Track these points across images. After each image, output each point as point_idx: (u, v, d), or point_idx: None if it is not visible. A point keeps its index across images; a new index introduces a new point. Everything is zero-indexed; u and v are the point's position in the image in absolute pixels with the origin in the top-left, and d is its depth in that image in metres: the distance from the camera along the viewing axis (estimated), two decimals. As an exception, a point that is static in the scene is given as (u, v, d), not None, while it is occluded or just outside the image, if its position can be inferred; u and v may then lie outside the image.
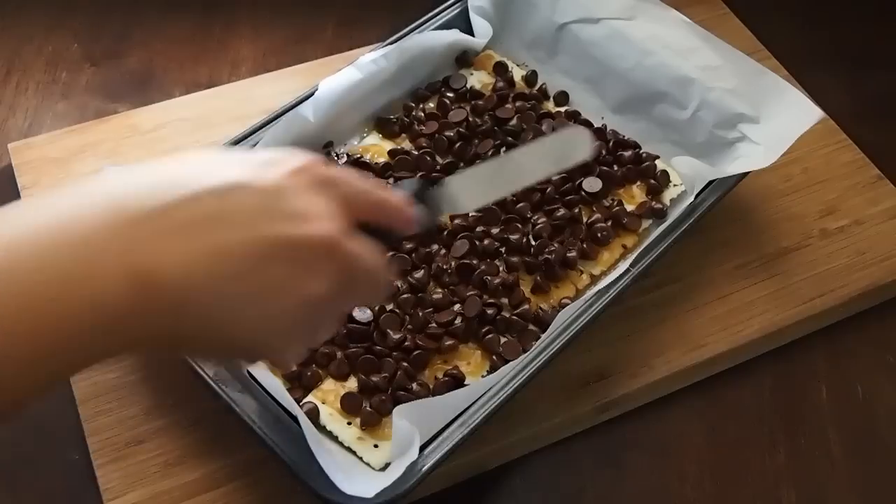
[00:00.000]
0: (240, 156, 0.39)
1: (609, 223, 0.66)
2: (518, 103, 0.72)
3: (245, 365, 0.51)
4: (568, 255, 0.63)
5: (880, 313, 0.71)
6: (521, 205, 0.66)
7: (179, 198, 0.36)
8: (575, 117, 0.72)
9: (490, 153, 0.69)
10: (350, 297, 0.42)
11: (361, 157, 0.68)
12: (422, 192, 0.48)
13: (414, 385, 0.57)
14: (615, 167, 0.70)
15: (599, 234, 0.65)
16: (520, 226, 0.65)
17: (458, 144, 0.69)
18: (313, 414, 0.55)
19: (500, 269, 0.63)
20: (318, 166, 0.41)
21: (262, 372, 0.53)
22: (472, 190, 0.51)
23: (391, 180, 0.66)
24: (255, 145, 0.64)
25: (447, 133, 0.69)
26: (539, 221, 0.65)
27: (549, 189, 0.67)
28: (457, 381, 0.57)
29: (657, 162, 0.70)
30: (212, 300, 0.36)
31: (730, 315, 0.66)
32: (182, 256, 0.35)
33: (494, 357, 0.59)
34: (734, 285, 0.68)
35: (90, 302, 0.33)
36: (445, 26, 0.74)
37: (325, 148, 0.68)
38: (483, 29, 0.75)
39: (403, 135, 0.71)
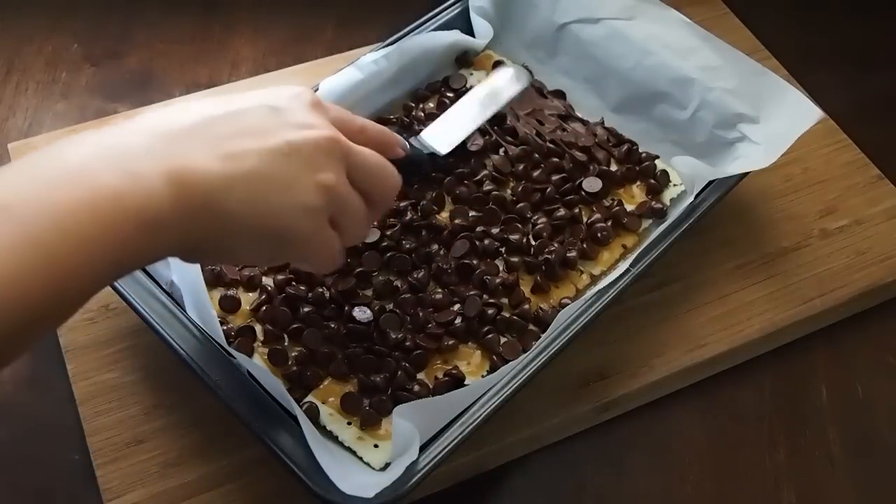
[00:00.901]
0: (246, 93, 0.47)
1: (609, 223, 0.66)
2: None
3: (281, 261, 0.54)
4: (568, 255, 0.63)
5: (880, 313, 0.71)
6: (521, 205, 0.66)
7: (205, 118, 0.43)
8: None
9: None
10: (365, 187, 0.48)
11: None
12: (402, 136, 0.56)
13: (414, 385, 0.57)
14: (615, 167, 0.69)
15: (599, 234, 0.65)
16: (520, 226, 0.65)
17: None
18: (313, 414, 0.55)
19: (500, 268, 0.63)
20: (311, 92, 0.48)
21: (262, 372, 0.53)
22: (443, 136, 0.64)
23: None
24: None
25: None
26: (539, 221, 0.65)
27: (549, 189, 0.67)
28: (457, 381, 0.57)
29: (657, 162, 0.70)
30: (244, 193, 0.42)
31: (730, 315, 0.66)
32: (214, 160, 0.42)
33: (494, 357, 0.59)
34: (734, 285, 0.68)
35: (135, 202, 0.38)
36: (445, 26, 0.74)
37: (325, 148, 0.68)
38: (483, 29, 0.75)
39: (404, 135, 0.70)
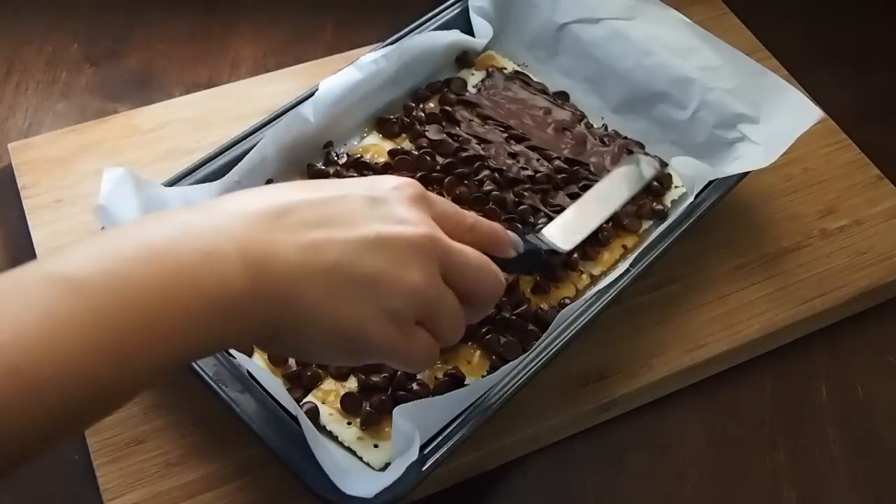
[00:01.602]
0: (345, 180, 0.45)
1: (609, 223, 0.66)
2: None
3: (364, 361, 0.49)
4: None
5: (880, 313, 0.71)
6: (522, 207, 0.66)
7: (293, 202, 0.41)
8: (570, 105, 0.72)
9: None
10: (463, 288, 0.45)
11: (361, 157, 0.68)
12: (519, 234, 0.52)
13: (414, 385, 0.57)
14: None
15: (599, 235, 0.65)
16: (520, 226, 0.65)
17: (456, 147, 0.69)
18: (313, 414, 0.55)
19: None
20: (416, 186, 0.45)
21: (262, 372, 0.53)
22: (567, 230, 0.59)
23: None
24: (255, 145, 0.64)
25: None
26: (539, 222, 0.65)
27: (549, 189, 0.67)
28: (457, 381, 0.57)
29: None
30: (322, 286, 0.40)
31: (730, 315, 0.66)
32: (294, 248, 0.40)
33: (494, 357, 0.59)
34: (734, 285, 0.68)
35: (212, 286, 0.37)
36: (445, 26, 0.74)
37: (325, 148, 0.68)
38: (483, 29, 0.75)
39: (403, 135, 0.71)
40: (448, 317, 0.45)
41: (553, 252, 0.58)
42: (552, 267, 0.63)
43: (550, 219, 0.65)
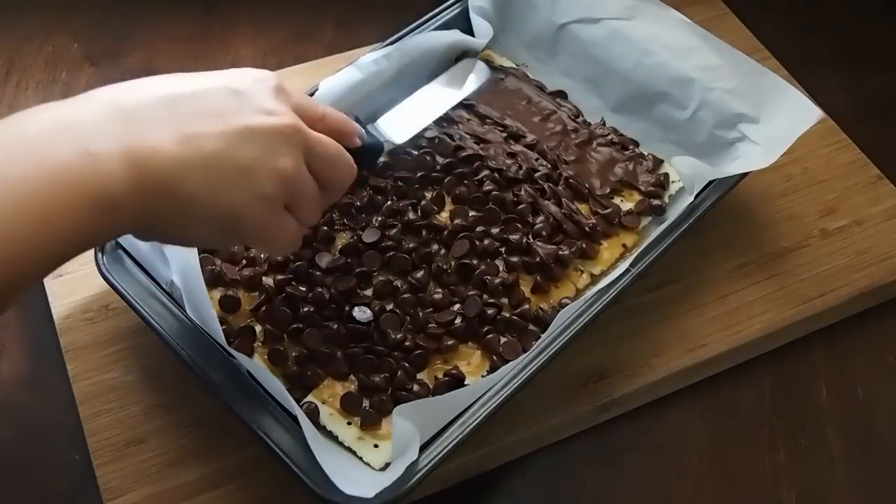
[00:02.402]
0: (208, 73, 0.46)
1: (602, 219, 0.66)
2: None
3: (235, 244, 0.54)
4: (560, 253, 0.63)
5: (880, 313, 0.71)
6: (521, 206, 0.66)
7: (165, 96, 0.43)
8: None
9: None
10: (322, 175, 0.48)
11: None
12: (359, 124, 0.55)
13: (414, 385, 0.57)
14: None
15: (588, 228, 0.65)
16: (520, 226, 0.65)
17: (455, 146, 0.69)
18: (313, 414, 0.55)
19: (500, 268, 0.63)
20: (274, 77, 0.48)
21: (262, 372, 0.53)
22: (400, 124, 0.64)
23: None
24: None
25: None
26: (538, 221, 0.65)
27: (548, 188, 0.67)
28: (457, 381, 0.57)
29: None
30: (201, 177, 0.42)
31: (730, 315, 0.66)
32: (172, 141, 0.41)
33: (494, 357, 0.59)
34: (734, 285, 0.68)
35: (93, 182, 0.38)
36: (445, 26, 0.74)
37: (325, 148, 0.68)
38: (483, 29, 0.75)
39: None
40: (310, 201, 0.48)
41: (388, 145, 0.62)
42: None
43: (549, 220, 0.66)
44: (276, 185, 0.45)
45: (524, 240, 0.64)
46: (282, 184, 0.45)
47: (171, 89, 0.44)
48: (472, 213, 0.65)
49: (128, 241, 0.58)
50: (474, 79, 0.71)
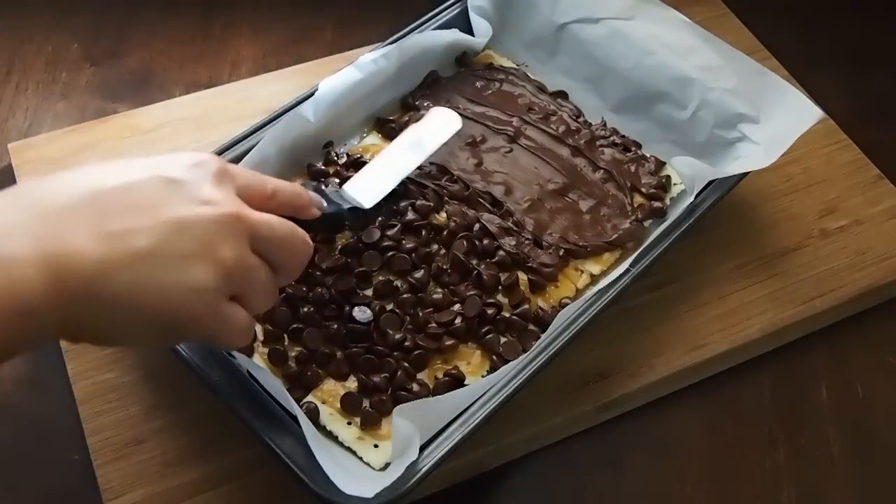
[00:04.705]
0: (143, 159, 0.43)
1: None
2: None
3: (177, 343, 0.49)
4: (542, 260, 0.63)
5: (880, 313, 0.71)
6: (520, 206, 0.66)
7: (90, 193, 0.40)
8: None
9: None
10: (273, 258, 0.45)
11: (361, 156, 0.68)
12: (321, 193, 0.53)
13: (414, 385, 0.57)
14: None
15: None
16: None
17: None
18: (313, 414, 0.55)
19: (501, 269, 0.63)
20: (216, 160, 0.45)
21: (262, 372, 0.53)
22: (369, 186, 0.60)
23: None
24: (255, 145, 0.64)
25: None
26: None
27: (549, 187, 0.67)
28: (457, 381, 0.57)
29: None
30: (127, 278, 0.39)
31: (730, 315, 0.66)
32: (95, 241, 0.38)
33: (494, 357, 0.59)
34: (734, 285, 0.68)
35: (4, 289, 0.35)
36: (445, 26, 0.74)
37: (325, 148, 0.68)
38: (483, 29, 0.75)
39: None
40: (259, 289, 0.45)
41: (355, 209, 0.59)
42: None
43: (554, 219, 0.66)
44: (216, 278, 0.41)
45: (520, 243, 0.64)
46: (223, 275, 0.41)
47: (97, 183, 0.40)
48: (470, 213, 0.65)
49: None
50: (444, 129, 0.65)
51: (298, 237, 0.47)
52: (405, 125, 0.70)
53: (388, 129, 0.70)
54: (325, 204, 0.53)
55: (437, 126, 0.65)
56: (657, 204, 0.68)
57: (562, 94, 0.75)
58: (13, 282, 0.36)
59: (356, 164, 0.67)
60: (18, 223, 0.37)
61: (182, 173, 0.43)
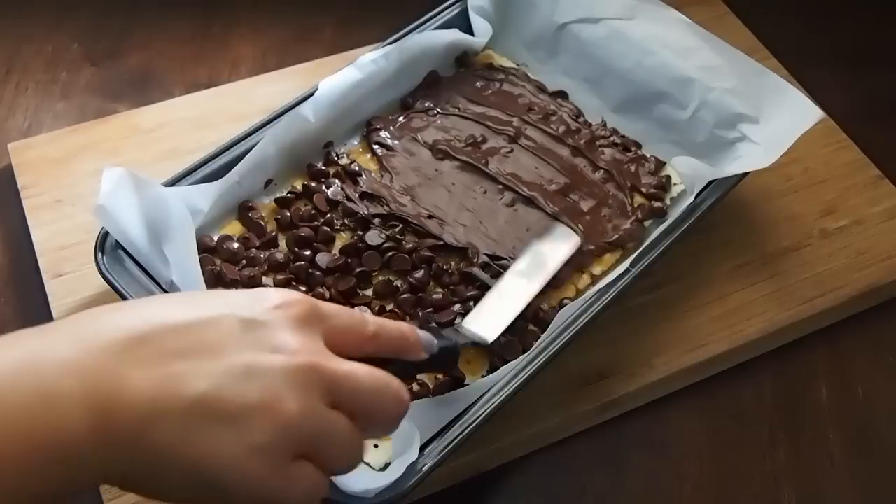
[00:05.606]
0: (222, 294, 0.40)
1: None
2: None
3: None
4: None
5: (880, 313, 0.71)
6: (520, 205, 0.66)
7: (153, 328, 0.36)
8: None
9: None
10: (359, 413, 0.40)
11: (355, 161, 0.68)
12: (438, 337, 0.48)
13: (414, 385, 0.57)
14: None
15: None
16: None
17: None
18: (313, 414, 0.55)
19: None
20: (304, 303, 0.40)
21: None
22: (490, 318, 0.55)
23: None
24: (255, 145, 0.64)
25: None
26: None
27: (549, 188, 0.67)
28: (457, 381, 0.57)
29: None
30: (174, 428, 0.35)
31: (730, 315, 0.66)
32: (147, 384, 0.35)
33: (494, 357, 0.59)
34: (734, 285, 0.68)
35: (46, 432, 0.33)
36: (445, 26, 0.74)
37: (325, 148, 0.68)
38: (483, 29, 0.75)
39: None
40: (337, 447, 0.39)
41: (476, 344, 0.55)
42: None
43: (557, 218, 0.66)
44: (275, 435, 0.36)
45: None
46: (285, 433, 0.36)
47: (163, 317, 0.37)
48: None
49: (127, 240, 0.58)
50: (562, 247, 0.62)
51: (391, 392, 0.41)
52: (399, 130, 0.70)
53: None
54: (435, 344, 0.47)
55: (556, 244, 0.61)
56: (657, 204, 0.68)
57: (562, 94, 0.75)
58: (59, 421, 0.33)
59: (352, 174, 0.67)
60: (71, 358, 0.34)
61: (261, 314, 0.38)
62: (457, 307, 0.60)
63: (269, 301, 0.39)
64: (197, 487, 0.36)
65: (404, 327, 0.45)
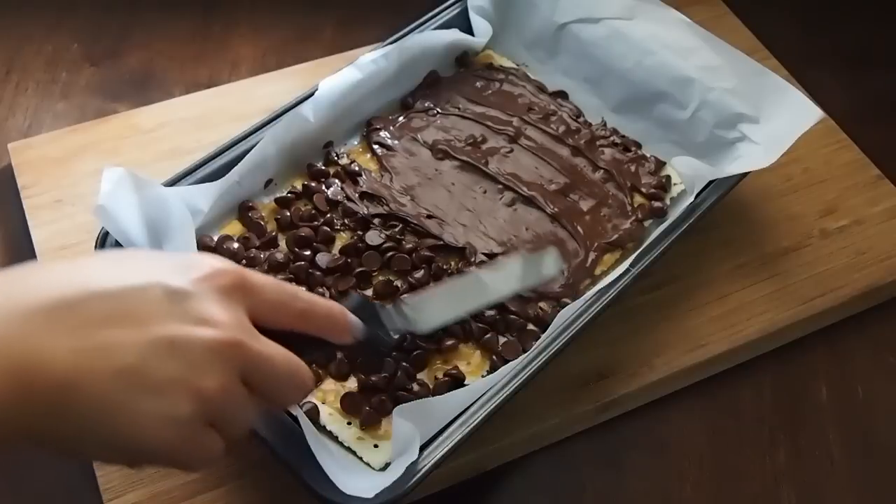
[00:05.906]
0: (149, 259, 0.40)
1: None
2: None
3: (146, 467, 0.43)
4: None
5: (880, 313, 0.71)
6: (518, 205, 0.66)
7: (80, 295, 0.37)
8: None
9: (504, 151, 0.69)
10: (264, 392, 0.41)
11: (355, 161, 0.68)
12: (368, 309, 0.48)
13: (414, 385, 0.57)
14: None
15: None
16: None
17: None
18: (313, 414, 0.55)
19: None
20: (233, 273, 0.41)
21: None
22: (430, 309, 0.53)
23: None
24: (255, 145, 0.64)
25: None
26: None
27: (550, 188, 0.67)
28: (457, 381, 0.57)
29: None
30: (98, 395, 0.36)
31: (730, 315, 0.66)
32: (70, 351, 0.35)
33: (494, 357, 0.59)
34: (734, 285, 0.68)
35: None
36: (445, 26, 0.74)
37: (325, 148, 0.68)
38: (483, 29, 0.75)
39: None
40: (240, 420, 0.41)
41: (405, 333, 0.53)
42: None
43: (556, 219, 0.66)
44: (192, 407, 0.38)
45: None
46: (201, 405, 0.38)
47: (90, 284, 0.37)
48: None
49: (127, 240, 0.58)
50: (545, 270, 0.59)
51: (298, 379, 0.42)
52: (399, 130, 0.70)
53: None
54: (361, 332, 0.47)
55: (536, 265, 0.58)
56: (657, 204, 0.68)
57: (562, 94, 0.75)
58: None
59: (352, 174, 0.67)
60: None
61: (188, 284, 0.39)
62: None
63: (198, 270, 0.40)
64: (114, 450, 0.38)
65: (335, 309, 0.45)
